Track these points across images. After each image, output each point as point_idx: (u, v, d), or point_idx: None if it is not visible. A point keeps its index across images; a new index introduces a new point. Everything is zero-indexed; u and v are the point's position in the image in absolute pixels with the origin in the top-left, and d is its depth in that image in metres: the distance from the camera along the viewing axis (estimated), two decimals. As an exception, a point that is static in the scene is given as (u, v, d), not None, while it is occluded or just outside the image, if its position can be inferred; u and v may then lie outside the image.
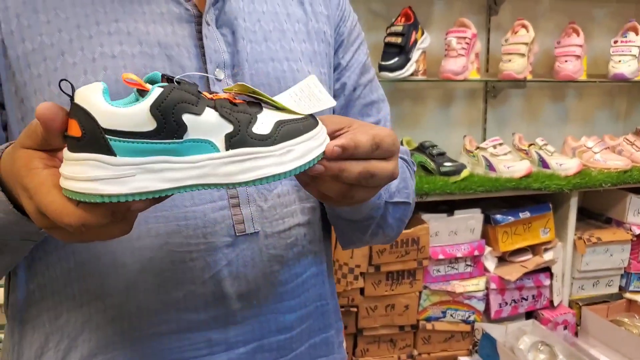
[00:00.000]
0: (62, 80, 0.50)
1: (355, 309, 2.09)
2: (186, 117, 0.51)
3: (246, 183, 0.54)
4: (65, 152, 0.50)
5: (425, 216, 2.13)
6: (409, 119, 2.44)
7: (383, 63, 2.11)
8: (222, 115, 0.53)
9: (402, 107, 2.42)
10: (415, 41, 2.14)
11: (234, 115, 0.54)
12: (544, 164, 2.26)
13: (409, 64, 2.12)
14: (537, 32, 2.31)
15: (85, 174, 0.48)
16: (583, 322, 2.30)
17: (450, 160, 2.16)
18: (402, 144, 2.30)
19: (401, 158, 0.89)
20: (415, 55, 2.15)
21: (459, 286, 2.16)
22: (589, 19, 2.57)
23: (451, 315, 2.19)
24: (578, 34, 2.34)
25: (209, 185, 0.53)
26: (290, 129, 0.56)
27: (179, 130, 0.51)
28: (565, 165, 2.22)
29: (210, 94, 0.55)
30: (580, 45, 2.31)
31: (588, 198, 2.48)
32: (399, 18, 2.16)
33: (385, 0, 2.31)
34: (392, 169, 0.62)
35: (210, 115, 0.52)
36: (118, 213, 0.51)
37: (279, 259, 0.76)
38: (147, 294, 0.70)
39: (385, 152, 0.61)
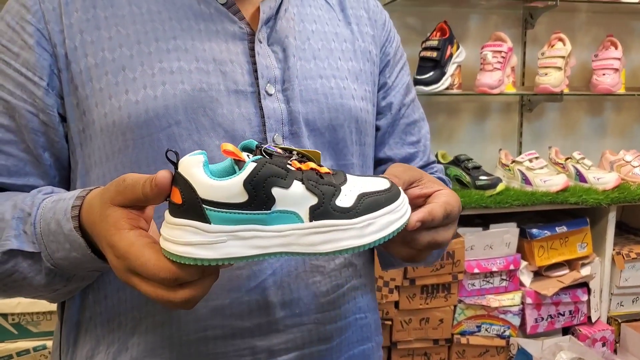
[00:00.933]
0: (168, 150, 0.55)
1: (389, 322, 2.09)
2: (275, 191, 0.55)
3: (326, 254, 0.57)
4: (167, 215, 0.56)
5: (460, 230, 2.12)
6: (444, 132, 2.45)
7: (418, 77, 2.13)
8: (307, 189, 0.57)
9: (437, 121, 2.43)
10: (451, 55, 2.15)
11: (319, 187, 0.57)
12: (581, 178, 2.24)
13: (444, 78, 2.13)
14: (574, 45, 2.30)
15: (183, 239, 0.54)
16: (622, 339, 2.26)
17: (486, 173, 2.15)
18: (437, 157, 2.31)
19: (439, 178, 0.91)
20: (451, 69, 2.15)
21: (494, 300, 2.14)
22: (627, 31, 2.54)
23: (486, 330, 2.17)
24: (616, 47, 2.32)
25: (292, 254, 0.57)
26: (372, 202, 0.59)
27: (268, 202, 0.55)
28: (603, 179, 2.19)
29: (299, 162, 0.58)
30: (619, 58, 2.29)
31: (627, 212, 2.44)
32: (435, 32, 2.18)
33: (420, 15, 2.33)
34: (453, 234, 0.72)
35: (297, 188, 0.56)
36: (207, 271, 0.56)
37: (321, 270, 0.78)
38: None
39: (452, 219, 0.69)
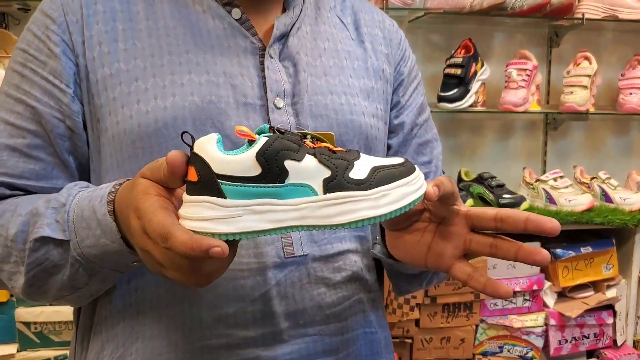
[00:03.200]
0: (183, 132, 0.56)
1: (410, 341, 2.07)
2: (288, 163, 0.56)
3: (342, 225, 0.57)
4: (184, 195, 0.57)
5: (482, 248, 2.10)
6: (468, 149, 2.44)
7: (442, 94, 2.12)
8: (320, 162, 0.57)
9: (461, 138, 2.42)
10: (475, 73, 2.14)
11: (332, 161, 0.58)
12: (606, 198, 2.21)
13: (468, 95, 2.13)
14: (600, 64, 2.28)
15: (200, 214, 0.55)
16: (648, 364, 2.21)
17: (510, 192, 2.13)
18: (460, 174, 2.29)
19: None
20: (475, 86, 2.15)
21: (516, 321, 2.11)
22: (654, 51, 2.52)
23: (508, 351, 2.14)
24: (643, 66, 2.30)
25: (307, 227, 0.57)
26: (386, 174, 0.59)
27: (281, 175, 0.56)
28: (629, 199, 2.16)
29: (312, 143, 0.59)
30: (646, 78, 2.27)
31: (654, 234, 2.40)
32: (459, 50, 2.17)
33: (445, 32, 2.33)
34: None
35: (310, 161, 0.57)
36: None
37: (326, 281, 0.78)
38: (200, 308, 0.73)
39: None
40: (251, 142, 0.56)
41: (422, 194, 0.61)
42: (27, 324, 1.85)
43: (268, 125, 0.59)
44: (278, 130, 0.58)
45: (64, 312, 1.84)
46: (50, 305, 1.77)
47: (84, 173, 0.79)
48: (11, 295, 1.86)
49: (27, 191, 0.76)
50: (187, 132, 0.57)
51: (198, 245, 0.52)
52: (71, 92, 0.75)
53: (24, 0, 1.85)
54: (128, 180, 0.65)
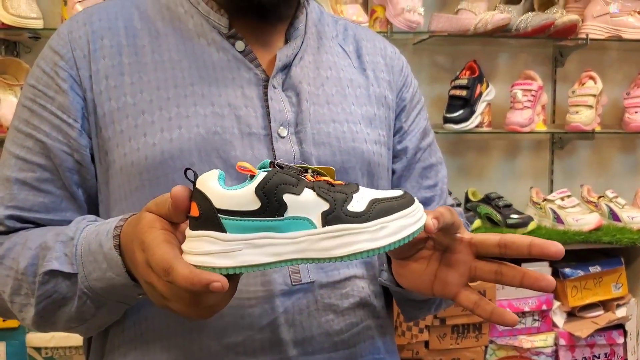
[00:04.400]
0: (187, 169, 0.57)
1: (419, 362, 2.06)
2: (287, 197, 0.56)
3: (341, 258, 0.58)
4: (187, 230, 0.57)
5: (491, 269, 2.10)
6: (475, 170, 2.44)
7: (448, 115, 2.14)
8: (319, 195, 0.58)
9: (467, 159, 2.43)
10: (480, 94, 2.16)
11: (331, 194, 0.58)
12: (614, 216, 2.21)
13: (473, 116, 2.14)
14: (605, 83, 2.29)
15: (201, 249, 0.56)
16: (660, 384, 2.19)
17: (517, 212, 2.14)
18: (467, 195, 2.30)
19: None
20: (480, 107, 2.16)
21: (526, 341, 2.10)
22: (659, 69, 2.53)
23: (519, 372, 2.13)
24: (648, 85, 2.30)
25: (307, 260, 0.58)
26: (385, 207, 0.60)
27: (280, 208, 0.56)
28: (637, 218, 2.16)
29: (312, 177, 0.60)
30: (651, 97, 2.28)
31: (663, 252, 2.39)
32: (464, 71, 2.19)
33: (449, 53, 2.35)
34: None
35: (308, 194, 0.57)
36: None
37: (334, 308, 0.79)
38: (209, 337, 0.74)
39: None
40: (253, 177, 0.57)
41: (421, 225, 0.62)
42: (37, 349, 1.86)
43: (269, 161, 0.59)
44: (278, 165, 0.59)
45: (75, 337, 1.85)
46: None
47: (93, 205, 0.80)
48: (22, 321, 1.87)
49: (37, 224, 0.78)
50: (190, 168, 0.58)
51: (198, 279, 0.53)
52: (79, 126, 0.77)
53: (34, 29, 1.88)
54: (134, 214, 0.66)
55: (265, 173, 0.56)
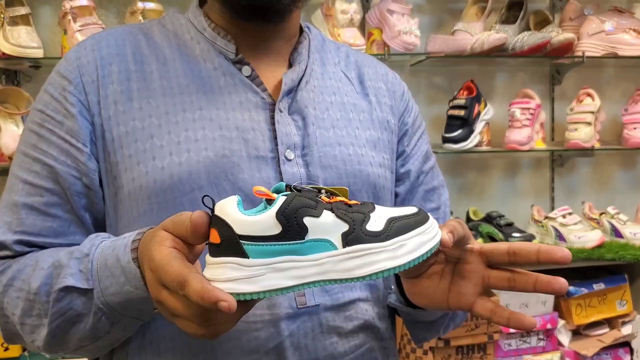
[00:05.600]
0: (204, 196, 0.58)
1: (424, 384, 2.04)
2: (307, 220, 0.57)
3: (363, 278, 0.59)
4: (207, 257, 0.58)
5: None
6: (475, 189, 2.44)
7: (447, 135, 2.14)
8: (338, 216, 0.59)
9: (468, 178, 2.43)
10: (479, 113, 2.17)
11: (349, 215, 0.59)
12: (616, 233, 2.20)
13: (472, 136, 2.14)
14: (603, 99, 2.29)
15: (225, 275, 0.57)
16: (669, 402, 2.17)
17: (519, 230, 2.13)
18: (468, 214, 2.30)
19: None
20: (479, 126, 2.17)
21: (532, 361, 2.09)
22: (656, 84, 2.54)
23: (525, 392, 2.11)
24: (646, 101, 2.31)
25: (329, 281, 0.59)
26: (402, 225, 0.61)
27: (301, 231, 0.57)
28: (640, 234, 2.15)
29: (327, 197, 0.61)
30: (649, 112, 2.28)
31: (667, 268, 2.38)
32: (461, 91, 2.20)
33: (446, 74, 2.36)
34: None
35: (327, 216, 0.58)
36: (250, 305, 0.60)
37: (338, 330, 0.79)
38: None
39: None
40: (269, 201, 0.58)
41: (438, 241, 0.63)
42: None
43: (284, 184, 0.60)
44: (295, 188, 0.60)
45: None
46: (63, 359, 1.77)
47: (100, 229, 0.81)
48: (24, 350, 1.86)
49: (45, 248, 0.78)
50: (207, 195, 0.59)
51: (208, 296, 0.54)
52: (87, 151, 0.77)
53: (35, 58, 1.90)
54: (151, 228, 0.66)
55: (285, 197, 0.57)
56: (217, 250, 0.57)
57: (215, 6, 0.84)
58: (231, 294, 0.55)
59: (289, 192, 0.59)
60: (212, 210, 0.58)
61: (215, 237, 0.57)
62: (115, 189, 0.78)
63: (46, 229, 0.77)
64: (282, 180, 0.77)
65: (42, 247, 0.78)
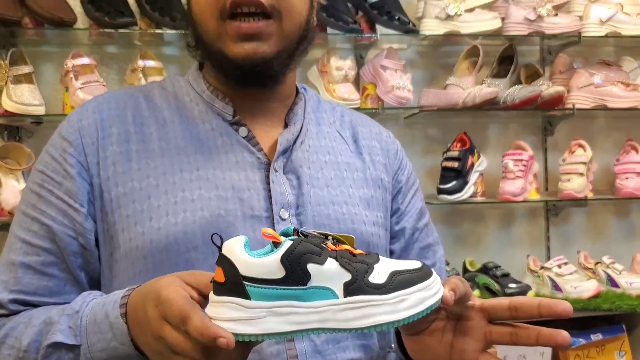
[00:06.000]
0: (214, 234, 0.60)
1: None
2: (310, 267, 0.59)
3: (362, 329, 0.60)
4: (211, 295, 0.60)
5: (491, 339, 2.08)
6: (471, 239, 2.45)
7: (441, 186, 2.17)
8: (341, 265, 0.60)
9: (463, 228, 2.44)
10: (472, 165, 2.20)
11: (353, 265, 0.60)
12: (612, 283, 2.20)
13: (467, 187, 2.17)
14: (594, 149, 2.33)
15: (225, 315, 0.58)
16: None
17: (515, 281, 2.13)
18: (465, 265, 2.30)
19: None
20: (473, 177, 2.20)
21: (532, 414, 2.06)
22: (647, 134, 2.57)
23: None
24: (637, 151, 2.34)
25: (328, 330, 0.60)
26: (405, 279, 0.62)
27: (304, 277, 0.59)
28: (635, 284, 2.15)
29: (333, 244, 0.62)
30: (640, 162, 2.31)
31: (665, 317, 2.37)
32: (455, 143, 2.24)
33: (440, 126, 2.40)
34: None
35: (331, 264, 0.60)
36: (250, 347, 0.61)
37: None
38: None
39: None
40: (276, 244, 0.60)
41: (439, 298, 0.63)
42: None
43: (292, 227, 0.62)
44: (302, 233, 0.61)
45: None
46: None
47: (96, 287, 0.82)
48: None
49: (40, 306, 0.79)
50: (216, 233, 0.60)
51: (207, 332, 0.55)
52: (84, 211, 0.79)
53: (37, 115, 1.93)
54: (140, 285, 0.68)
55: (291, 242, 0.59)
56: (221, 289, 0.58)
57: (213, 70, 0.87)
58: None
59: (296, 237, 0.60)
60: (220, 249, 0.59)
61: (220, 275, 0.58)
62: (112, 249, 0.79)
63: (42, 288, 0.79)
64: None
65: (37, 305, 0.79)
